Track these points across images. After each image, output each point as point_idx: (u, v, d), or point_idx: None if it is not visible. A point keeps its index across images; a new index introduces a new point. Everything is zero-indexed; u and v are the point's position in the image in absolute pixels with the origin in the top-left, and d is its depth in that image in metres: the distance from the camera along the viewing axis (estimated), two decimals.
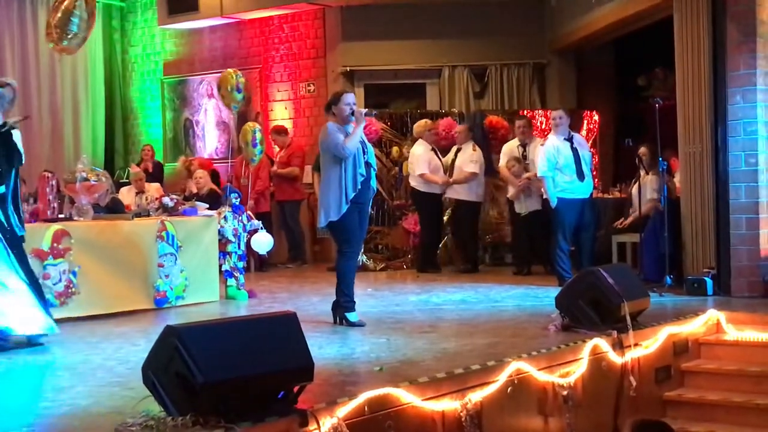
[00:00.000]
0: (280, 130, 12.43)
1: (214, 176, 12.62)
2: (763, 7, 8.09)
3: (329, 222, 7.06)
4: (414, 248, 11.74)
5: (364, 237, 7.51)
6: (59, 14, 9.31)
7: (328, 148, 7.05)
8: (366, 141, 7.27)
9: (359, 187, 7.04)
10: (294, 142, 12.50)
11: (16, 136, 6.54)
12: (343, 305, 7.14)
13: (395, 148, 11.85)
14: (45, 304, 6.57)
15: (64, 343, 6.51)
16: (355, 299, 7.22)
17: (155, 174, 13.17)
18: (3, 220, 6.45)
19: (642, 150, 9.55)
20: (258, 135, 10.56)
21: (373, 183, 7.25)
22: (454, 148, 11.21)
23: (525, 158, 10.61)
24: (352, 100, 7.17)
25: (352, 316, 7.09)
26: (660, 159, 8.99)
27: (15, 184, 6.58)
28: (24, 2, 13.55)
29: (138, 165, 13.33)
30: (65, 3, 9.34)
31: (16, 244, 6.48)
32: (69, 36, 9.34)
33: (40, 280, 6.96)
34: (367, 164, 7.12)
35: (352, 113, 7.06)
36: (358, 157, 7.05)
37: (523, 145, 10.63)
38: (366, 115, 7.20)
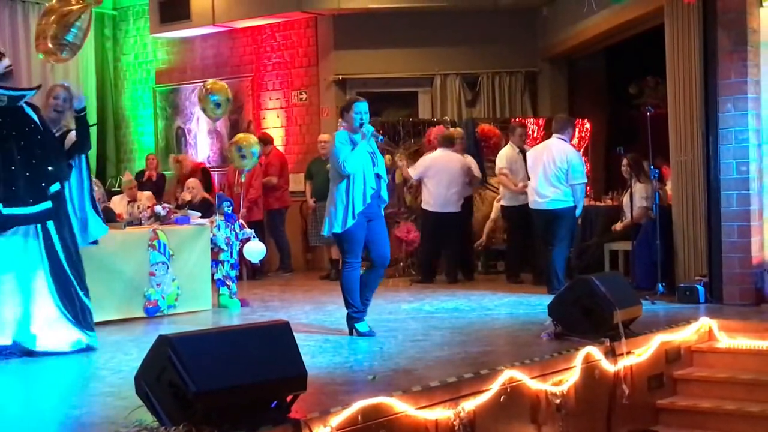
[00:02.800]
0: (263, 139, 12.37)
1: (206, 176, 12.60)
2: (754, 15, 8.12)
3: (333, 233, 7.01)
4: (406, 256, 11.73)
5: (388, 249, 7.21)
6: (56, 25, 9.30)
7: (332, 161, 7.01)
8: (377, 152, 7.12)
9: (368, 201, 6.93)
10: (273, 151, 12.44)
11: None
12: (351, 316, 7.05)
13: (387, 157, 11.84)
14: (77, 317, 6.49)
15: (55, 353, 6.48)
16: (363, 309, 7.10)
17: (158, 183, 13.12)
18: (52, 226, 6.46)
19: (626, 159, 9.55)
20: (260, 146, 10.52)
21: (384, 194, 7.12)
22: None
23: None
24: (364, 109, 7.01)
25: (362, 326, 7.01)
26: (651, 167, 9.00)
27: (79, 181, 6.71)
28: (16, 10, 13.53)
29: (142, 173, 13.32)
30: (68, 16, 9.31)
31: (56, 253, 6.46)
32: (65, 46, 9.33)
33: None
34: (377, 176, 7.02)
35: (361, 125, 6.96)
36: (367, 170, 6.93)
37: (523, 152, 10.55)
38: (373, 135, 7.01)
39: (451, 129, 11.46)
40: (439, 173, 10.75)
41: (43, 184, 6.42)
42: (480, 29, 12.65)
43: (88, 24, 9.59)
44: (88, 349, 6.52)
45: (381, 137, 7.29)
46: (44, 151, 6.47)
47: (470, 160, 11.12)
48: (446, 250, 11.07)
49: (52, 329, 6.40)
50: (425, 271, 10.99)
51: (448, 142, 10.95)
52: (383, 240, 7.14)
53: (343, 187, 6.91)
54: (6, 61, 6.65)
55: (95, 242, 7.04)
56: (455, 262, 11.09)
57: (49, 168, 6.47)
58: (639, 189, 9.45)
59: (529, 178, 9.87)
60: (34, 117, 6.53)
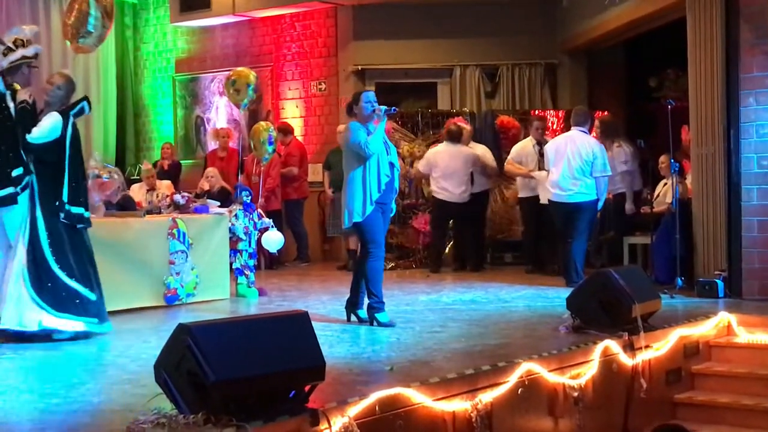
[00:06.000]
0: (283, 129, 12.38)
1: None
2: None
3: (354, 223, 7.03)
4: (424, 248, 11.74)
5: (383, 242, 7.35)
6: (74, 13, 9.32)
7: (351, 147, 7.00)
8: (389, 141, 7.21)
9: (383, 188, 6.98)
10: (293, 141, 12.46)
11: (55, 119, 6.60)
12: (373, 306, 7.08)
13: (406, 146, 11.85)
14: (48, 301, 6.47)
15: (75, 340, 6.52)
16: (384, 299, 7.15)
17: (172, 172, 13.15)
18: (38, 208, 6.51)
19: (662, 158, 9.52)
20: (273, 134, 10.53)
21: (396, 184, 7.20)
22: None
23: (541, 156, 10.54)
24: (373, 97, 7.12)
25: (382, 317, 7.04)
26: (672, 160, 8.96)
27: (46, 167, 6.60)
28: (36, 0, 13.57)
29: (156, 162, 13.35)
30: (78, 3, 9.33)
31: (38, 235, 6.49)
32: (84, 35, 9.35)
33: None
34: (391, 165, 7.07)
35: (374, 110, 7.03)
36: (381, 157, 6.98)
37: (539, 144, 10.58)
38: (386, 113, 7.09)
39: (456, 124, 11.41)
40: (443, 167, 10.93)
41: (8, 170, 6.46)
42: (500, 20, 12.61)
43: (105, 12, 9.57)
44: (56, 333, 6.49)
45: (394, 108, 7.38)
46: (14, 138, 6.51)
47: (482, 151, 11.15)
48: (453, 238, 11.14)
49: (17, 309, 6.45)
50: (434, 260, 11.06)
51: (453, 137, 11.08)
52: (384, 231, 7.27)
53: (359, 175, 6.95)
54: (15, 55, 6.65)
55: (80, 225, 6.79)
56: (463, 251, 11.13)
57: (10, 154, 6.48)
58: (617, 153, 9.58)
59: (539, 170, 9.97)
60: (10, 104, 6.58)
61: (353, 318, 7.25)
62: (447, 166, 10.92)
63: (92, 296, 6.69)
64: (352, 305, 7.28)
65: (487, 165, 11.10)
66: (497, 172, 11.33)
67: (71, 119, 6.74)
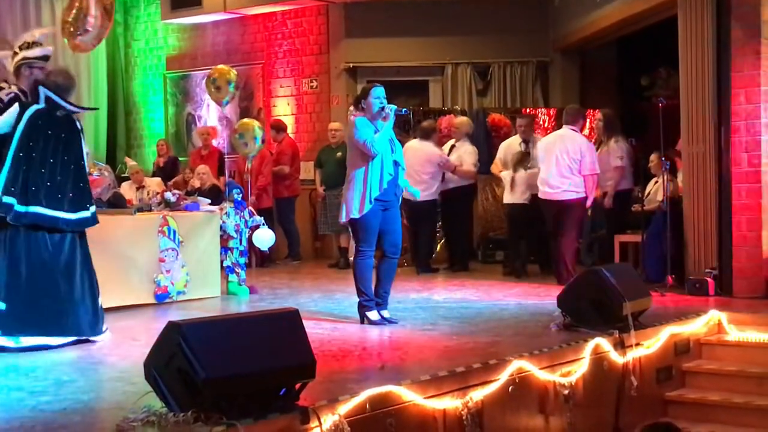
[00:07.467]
0: (276, 126, 12.35)
1: (221, 161, 12.60)
2: None
3: (350, 219, 6.95)
4: None
5: (400, 239, 7.20)
6: (74, 11, 9.31)
7: (356, 144, 6.89)
8: (395, 138, 7.09)
9: (385, 186, 6.88)
10: (285, 139, 12.43)
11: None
12: (362, 304, 7.03)
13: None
14: None
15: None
16: (375, 298, 7.05)
17: (168, 169, 13.12)
18: None
19: (652, 157, 9.53)
20: (263, 132, 10.49)
21: (401, 182, 7.09)
22: (449, 144, 11.11)
23: (528, 155, 10.54)
24: (382, 94, 6.97)
25: (373, 315, 7.00)
26: (663, 159, 8.97)
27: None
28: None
29: (153, 160, 13.33)
30: (78, 0, 9.32)
31: None
32: (82, 33, 9.34)
33: None
34: (395, 163, 6.97)
35: (383, 108, 6.92)
36: (385, 156, 6.87)
37: (525, 142, 10.59)
38: (396, 112, 6.95)
39: (428, 121, 11.33)
40: (408, 163, 10.72)
41: None
42: (492, 19, 12.62)
43: (104, 10, 9.55)
44: None
45: (405, 110, 7.25)
46: None
47: (461, 152, 10.91)
48: (420, 237, 11.05)
49: None
50: (419, 260, 11.02)
51: (423, 134, 10.88)
52: (396, 230, 7.13)
53: (361, 172, 6.86)
54: (17, 58, 6.53)
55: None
56: (425, 250, 11.06)
57: None
58: (613, 149, 9.67)
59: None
60: None
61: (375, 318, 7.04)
62: (410, 163, 10.74)
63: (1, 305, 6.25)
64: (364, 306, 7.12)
65: (457, 168, 10.82)
66: (472, 175, 11.08)
67: (31, 111, 6.33)
